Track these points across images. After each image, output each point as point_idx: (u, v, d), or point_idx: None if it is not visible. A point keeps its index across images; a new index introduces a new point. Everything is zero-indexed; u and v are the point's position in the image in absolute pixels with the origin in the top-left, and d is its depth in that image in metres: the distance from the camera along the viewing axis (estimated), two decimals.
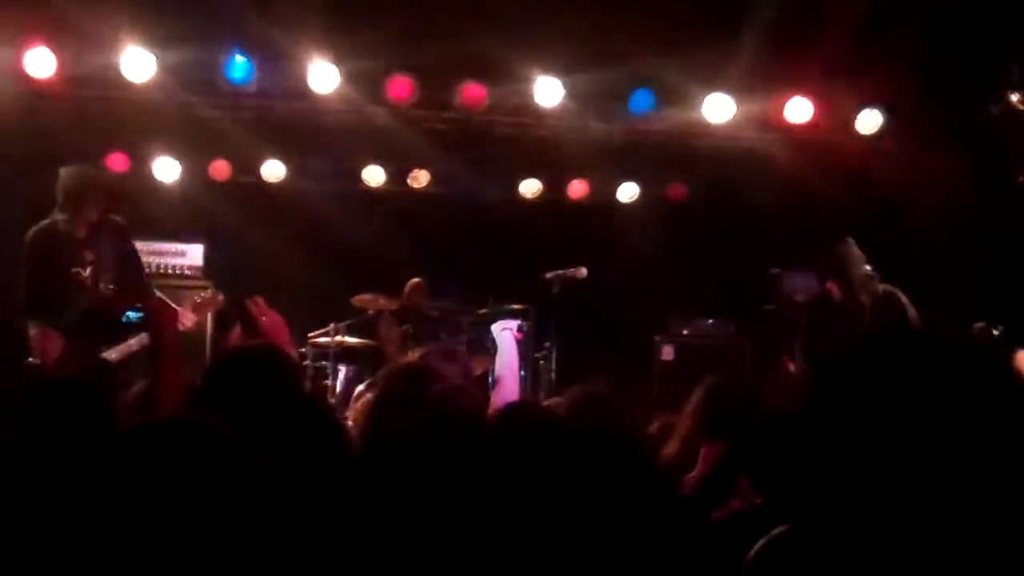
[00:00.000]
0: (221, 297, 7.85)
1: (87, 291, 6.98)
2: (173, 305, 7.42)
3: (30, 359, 6.82)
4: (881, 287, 7.69)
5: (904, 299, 7.63)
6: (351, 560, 2.74)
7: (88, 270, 6.98)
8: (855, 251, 7.60)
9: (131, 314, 7.10)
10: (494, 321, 9.48)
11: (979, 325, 7.33)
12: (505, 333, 7.22)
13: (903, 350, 1.86)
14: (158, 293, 7.66)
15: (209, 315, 8.49)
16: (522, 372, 7.95)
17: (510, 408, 3.53)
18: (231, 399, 3.26)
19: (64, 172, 7.13)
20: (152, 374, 5.82)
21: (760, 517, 3.14)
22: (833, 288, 7.68)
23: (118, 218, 7.27)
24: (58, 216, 7.03)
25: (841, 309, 7.65)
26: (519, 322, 8.52)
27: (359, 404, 8.07)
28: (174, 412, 3.42)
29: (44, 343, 6.82)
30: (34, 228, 7.04)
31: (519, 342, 7.87)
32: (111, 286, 7.01)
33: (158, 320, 7.02)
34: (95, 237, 7.05)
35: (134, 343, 7.04)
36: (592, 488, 2.49)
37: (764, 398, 4.44)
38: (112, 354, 6.95)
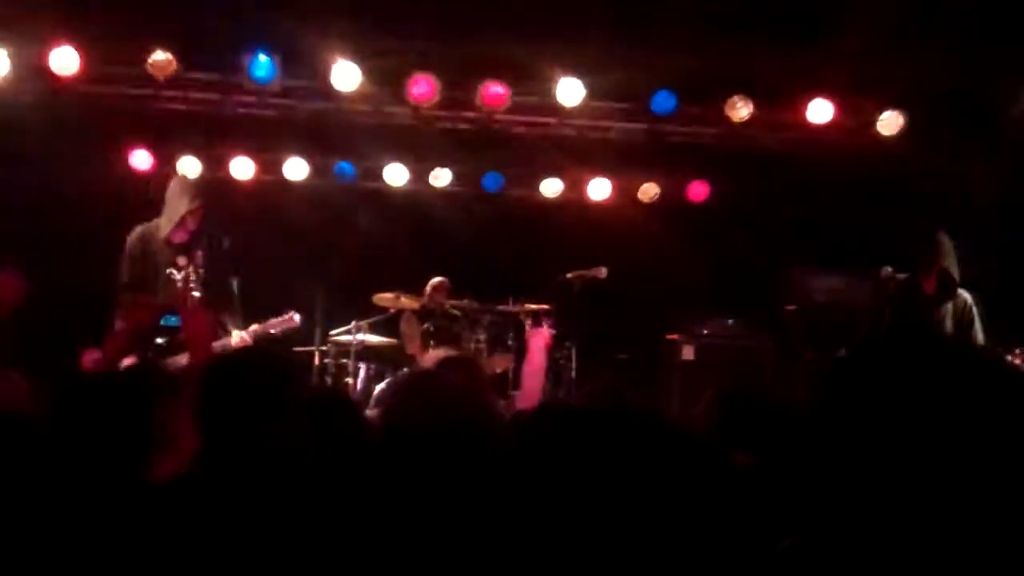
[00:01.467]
0: (297, 317, 7.91)
1: (176, 292, 7.15)
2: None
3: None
4: (964, 295, 7.71)
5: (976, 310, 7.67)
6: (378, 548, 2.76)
7: (181, 274, 7.13)
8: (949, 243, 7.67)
9: (172, 319, 7.23)
10: (519, 322, 9.55)
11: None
12: (536, 340, 7.29)
13: (910, 350, 1.87)
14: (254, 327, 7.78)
15: None
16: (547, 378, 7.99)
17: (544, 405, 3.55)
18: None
19: (178, 181, 7.36)
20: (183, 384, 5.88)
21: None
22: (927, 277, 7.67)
23: (224, 236, 7.43)
24: (158, 220, 7.27)
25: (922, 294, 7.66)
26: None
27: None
28: None
29: (133, 309, 7.21)
30: (135, 229, 7.27)
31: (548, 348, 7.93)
32: (196, 294, 7.11)
33: (189, 326, 7.14)
34: (193, 243, 7.22)
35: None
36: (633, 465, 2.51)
37: (779, 401, 4.41)
38: (179, 360, 7.09)
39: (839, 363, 1.95)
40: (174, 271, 7.15)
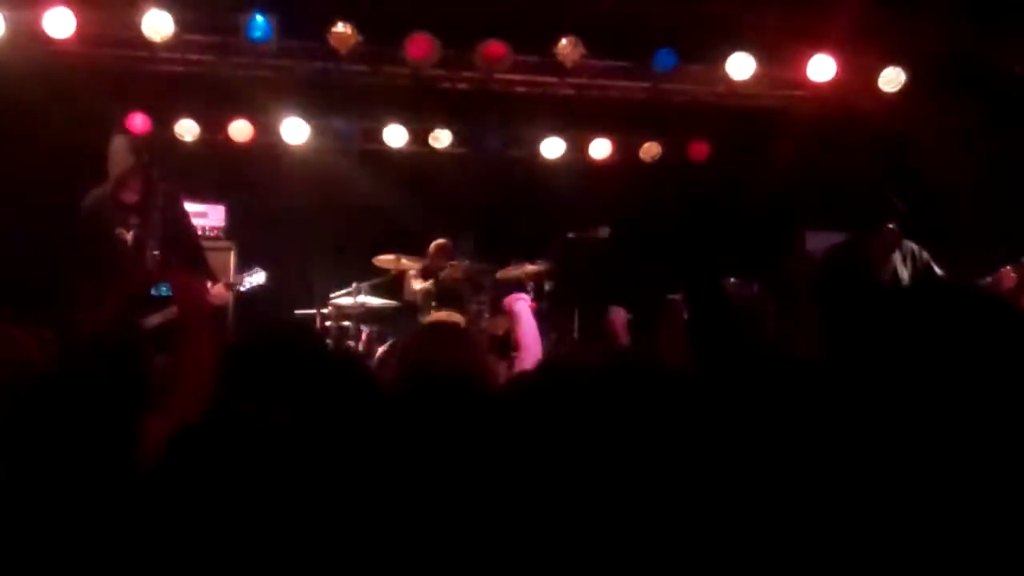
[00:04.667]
0: (263, 274, 7.92)
1: (128, 253, 7.12)
2: (208, 281, 7.51)
3: (78, 318, 7.01)
4: (909, 244, 7.71)
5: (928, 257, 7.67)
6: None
7: (131, 233, 7.11)
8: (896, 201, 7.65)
9: (163, 288, 7.20)
10: (522, 283, 9.53)
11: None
12: (520, 304, 7.33)
13: (918, 301, 1.85)
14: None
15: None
16: (542, 337, 8.00)
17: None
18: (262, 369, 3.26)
19: (114, 141, 7.27)
20: (177, 349, 5.87)
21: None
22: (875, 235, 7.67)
23: (169, 184, 7.40)
24: (109, 183, 7.18)
25: (860, 259, 7.67)
26: (529, 293, 8.59)
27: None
28: (199, 388, 3.44)
29: (98, 301, 7.01)
30: (87, 195, 7.23)
31: (535, 310, 7.98)
32: (156, 251, 7.09)
33: (184, 296, 7.12)
34: (145, 203, 7.17)
35: (174, 311, 7.17)
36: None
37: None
38: (152, 319, 7.06)
39: (851, 313, 1.92)
40: (123, 230, 7.13)
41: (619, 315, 7.54)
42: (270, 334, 3.53)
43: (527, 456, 2.56)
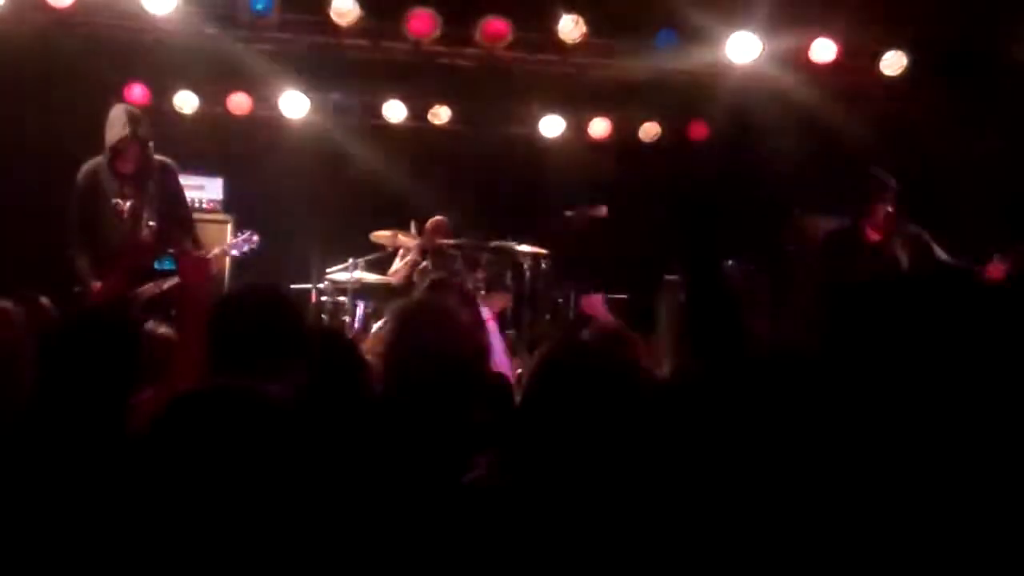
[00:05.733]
0: (256, 238, 7.93)
1: (123, 224, 7.19)
2: (206, 255, 7.54)
3: (76, 288, 7.13)
4: (911, 227, 7.71)
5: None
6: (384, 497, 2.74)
7: (128, 204, 7.18)
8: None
9: (167, 263, 7.23)
10: (518, 261, 9.54)
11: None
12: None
13: (921, 286, 1.85)
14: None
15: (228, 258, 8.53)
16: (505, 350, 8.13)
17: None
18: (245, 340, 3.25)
19: (112, 111, 7.28)
20: (177, 324, 5.87)
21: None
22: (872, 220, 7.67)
23: (166, 158, 7.43)
24: (105, 154, 7.21)
25: (858, 244, 7.67)
26: (491, 308, 8.65)
27: (373, 338, 8.16)
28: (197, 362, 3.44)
29: (89, 274, 7.11)
30: (84, 165, 7.23)
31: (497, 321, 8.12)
32: (151, 223, 7.16)
33: (186, 271, 7.16)
34: (141, 175, 7.18)
35: (171, 281, 7.27)
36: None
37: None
38: (148, 289, 7.11)
39: (847, 296, 1.92)
40: (119, 200, 7.18)
41: (594, 300, 7.53)
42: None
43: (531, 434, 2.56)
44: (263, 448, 2.31)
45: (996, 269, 7.47)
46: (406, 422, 3.17)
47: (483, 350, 3.72)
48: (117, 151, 7.14)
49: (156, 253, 7.25)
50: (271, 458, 2.32)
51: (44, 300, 5.23)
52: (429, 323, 3.57)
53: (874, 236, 7.73)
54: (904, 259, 7.66)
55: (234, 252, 7.98)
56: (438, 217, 9.78)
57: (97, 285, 7.05)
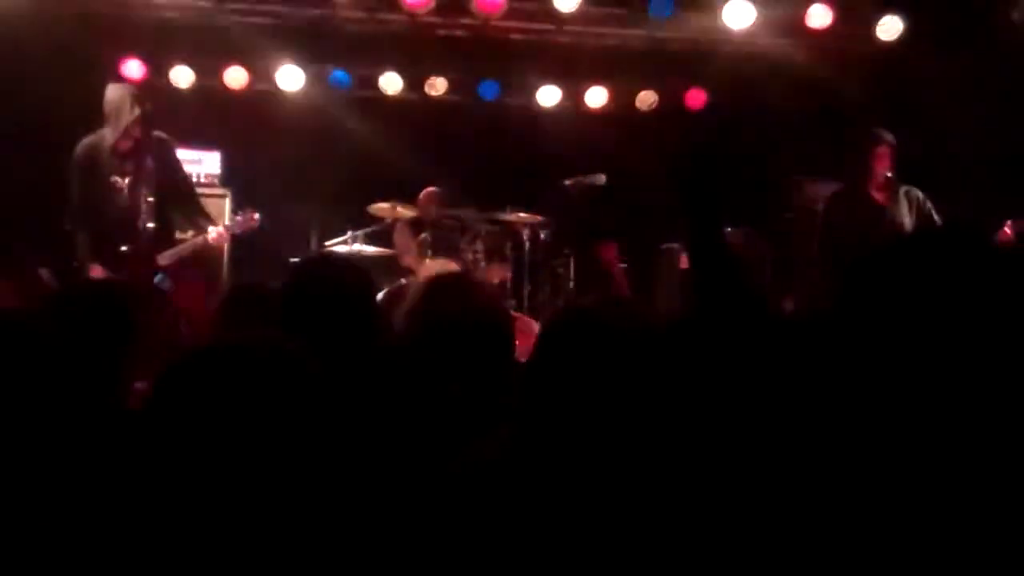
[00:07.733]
0: (257, 216, 7.95)
1: (122, 200, 7.28)
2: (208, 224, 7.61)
3: (75, 263, 7.21)
4: (914, 191, 7.71)
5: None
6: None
7: (127, 180, 7.26)
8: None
9: (160, 278, 7.29)
10: (517, 232, 9.53)
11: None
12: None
13: (934, 248, 1.83)
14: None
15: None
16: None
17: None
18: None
19: (109, 88, 7.32)
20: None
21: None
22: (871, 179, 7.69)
23: (163, 134, 7.51)
24: (103, 130, 7.29)
25: (860, 205, 7.67)
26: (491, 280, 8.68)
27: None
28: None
29: (89, 250, 7.20)
30: (81, 141, 7.28)
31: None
32: (150, 199, 7.22)
33: (182, 295, 7.26)
34: (140, 151, 7.22)
35: (187, 248, 7.54)
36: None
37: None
38: (163, 259, 7.32)
39: (863, 262, 1.91)
40: (118, 178, 7.25)
41: (610, 249, 7.56)
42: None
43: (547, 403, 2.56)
44: (284, 405, 2.26)
45: (1003, 235, 7.49)
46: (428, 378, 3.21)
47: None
48: (126, 133, 7.20)
49: (156, 258, 7.29)
50: (293, 417, 2.27)
51: (44, 272, 5.26)
52: (461, 294, 3.61)
53: (877, 196, 7.74)
54: (908, 223, 7.67)
55: (235, 232, 7.99)
56: (432, 188, 9.76)
57: (97, 269, 7.08)
